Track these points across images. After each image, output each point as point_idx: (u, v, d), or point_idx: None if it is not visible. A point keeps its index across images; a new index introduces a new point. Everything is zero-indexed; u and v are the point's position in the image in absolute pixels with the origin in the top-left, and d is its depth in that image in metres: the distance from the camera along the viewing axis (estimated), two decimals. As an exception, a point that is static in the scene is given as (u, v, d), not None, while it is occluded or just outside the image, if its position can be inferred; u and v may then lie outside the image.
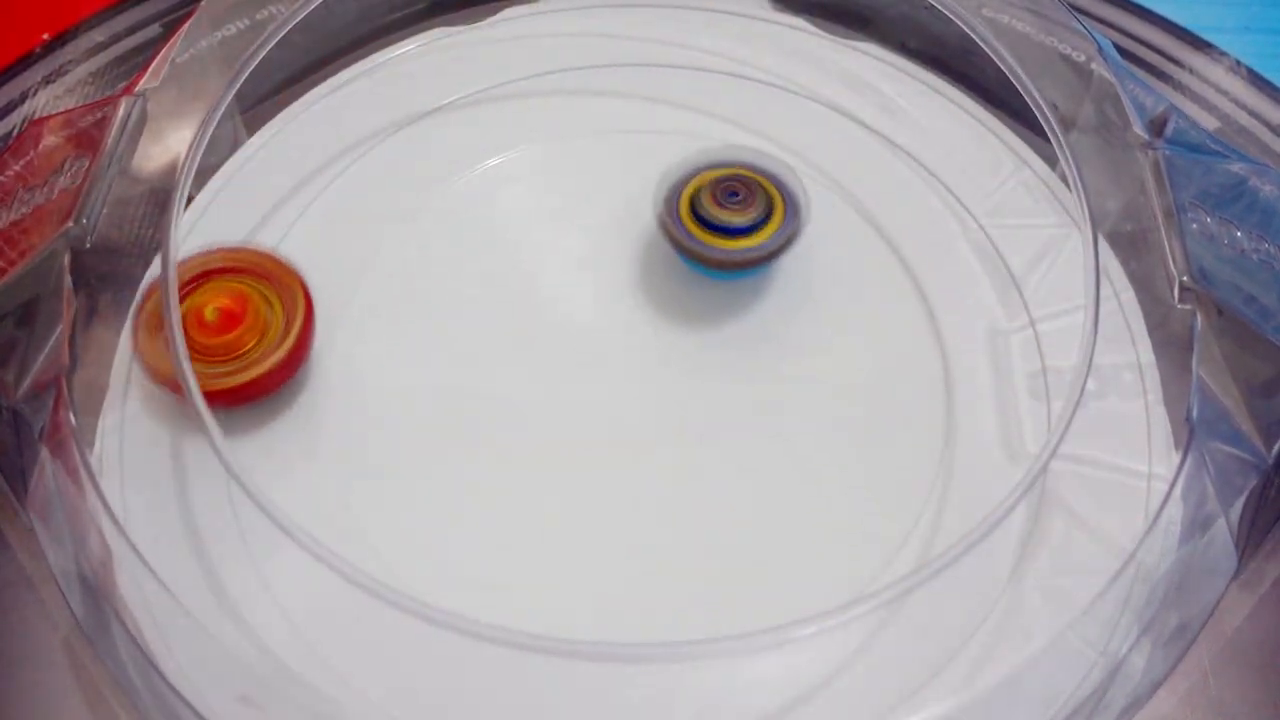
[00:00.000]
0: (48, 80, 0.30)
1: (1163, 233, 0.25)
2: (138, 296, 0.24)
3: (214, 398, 0.22)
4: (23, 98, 0.29)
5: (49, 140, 0.26)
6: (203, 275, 0.24)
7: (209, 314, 0.23)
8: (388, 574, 0.21)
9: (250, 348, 0.23)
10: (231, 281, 0.24)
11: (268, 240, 0.27)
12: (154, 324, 0.23)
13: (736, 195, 0.25)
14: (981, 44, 0.26)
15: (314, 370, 0.25)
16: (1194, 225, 0.25)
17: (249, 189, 0.27)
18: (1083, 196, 0.24)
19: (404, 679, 0.21)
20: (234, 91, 0.25)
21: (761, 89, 0.30)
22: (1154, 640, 0.21)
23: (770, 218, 0.25)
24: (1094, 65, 0.28)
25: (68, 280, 0.23)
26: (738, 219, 0.25)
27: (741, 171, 0.26)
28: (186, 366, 0.21)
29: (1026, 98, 0.26)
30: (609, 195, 0.28)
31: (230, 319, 0.23)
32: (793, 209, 0.25)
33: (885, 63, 0.30)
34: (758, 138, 0.29)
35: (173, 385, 0.22)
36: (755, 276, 0.26)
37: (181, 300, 0.23)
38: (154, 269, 0.26)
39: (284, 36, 0.26)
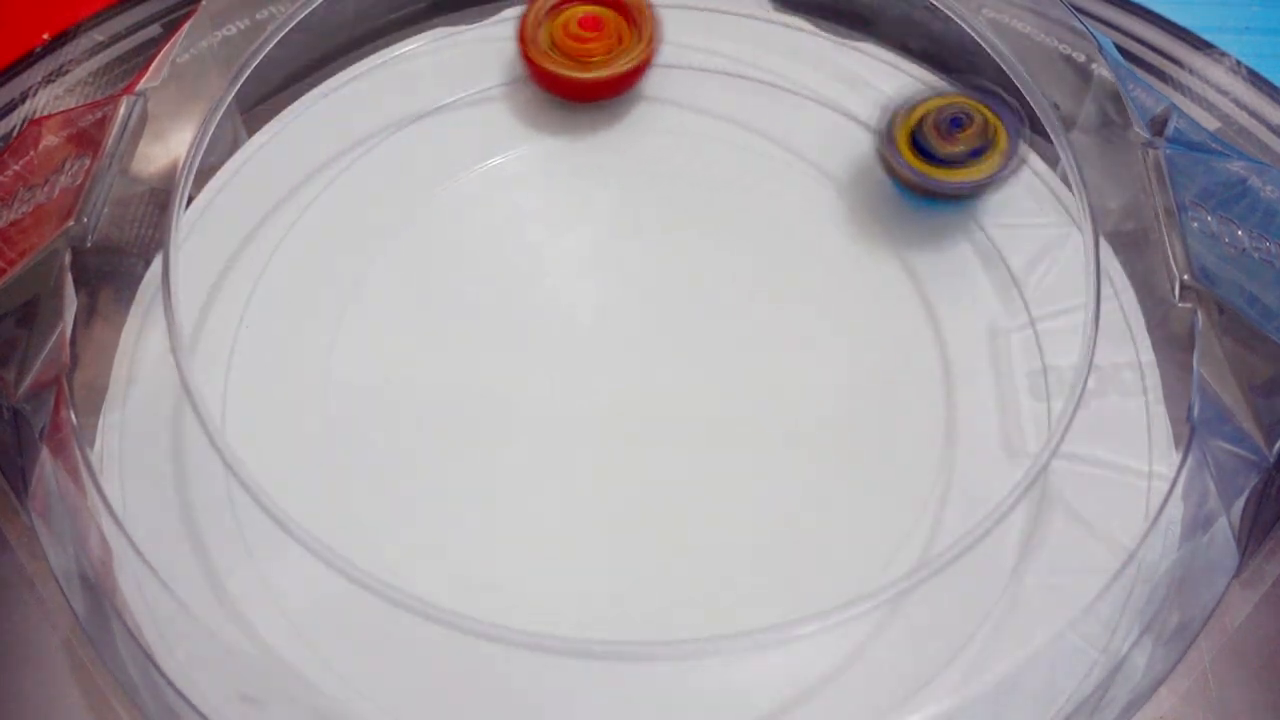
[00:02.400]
0: (48, 80, 0.30)
1: (1164, 232, 0.25)
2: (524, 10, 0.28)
3: (576, 88, 0.28)
4: (23, 97, 0.29)
5: (49, 140, 0.26)
6: (562, 3, 0.28)
7: (573, 26, 0.28)
8: (388, 572, 0.21)
9: (607, 54, 0.28)
10: (592, 6, 0.28)
11: (268, 240, 0.27)
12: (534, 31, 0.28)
13: (959, 124, 0.26)
14: (982, 44, 0.26)
15: (314, 369, 0.25)
16: (1195, 224, 0.25)
17: (249, 189, 0.27)
18: (1083, 196, 0.24)
19: (404, 677, 0.21)
20: (234, 91, 0.25)
21: (761, 89, 0.30)
22: (1155, 639, 0.21)
23: (993, 146, 0.26)
24: (1095, 65, 0.28)
25: (68, 279, 0.23)
26: (958, 149, 0.25)
27: (962, 101, 0.26)
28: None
29: (1027, 97, 0.26)
30: (609, 195, 0.28)
31: (594, 24, 0.28)
32: (1014, 138, 0.26)
33: (885, 63, 0.30)
34: (758, 137, 0.29)
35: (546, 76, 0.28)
36: (968, 205, 0.27)
37: (554, 13, 0.28)
38: (153, 276, 0.26)
39: (284, 36, 0.26)
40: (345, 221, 0.27)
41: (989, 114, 0.26)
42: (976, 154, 0.26)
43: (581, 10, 0.28)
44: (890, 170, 0.26)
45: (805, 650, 0.22)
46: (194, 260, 0.26)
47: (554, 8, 0.28)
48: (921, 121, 0.26)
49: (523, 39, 0.28)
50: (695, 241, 0.27)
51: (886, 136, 0.26)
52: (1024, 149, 0.26)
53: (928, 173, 0.26)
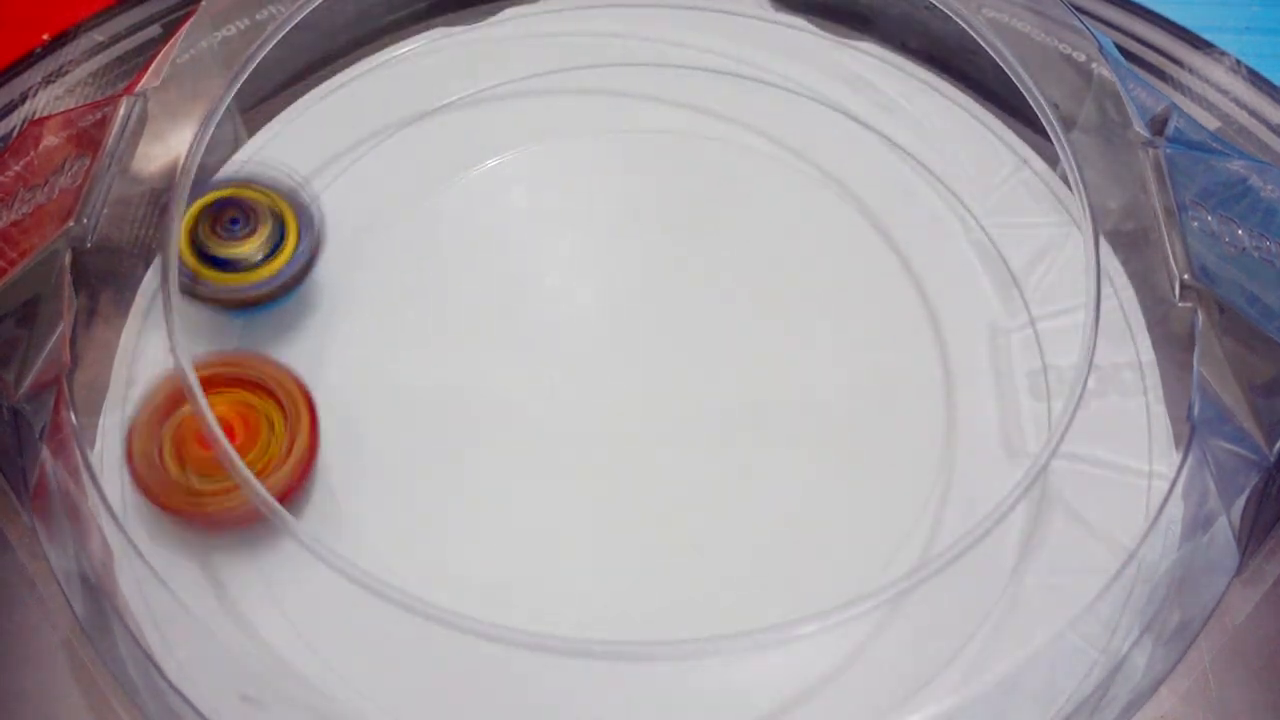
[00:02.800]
0: (48, 80, 0.30)
1: (1164, 231, 0.25)
2: (137, 404, 0.22)
3: (202, 519, 0.21)
4: (23, 98, 0.29)
5: (49, 140, 0.26)
6: (205, 384, 0.21)
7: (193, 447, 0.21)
8: (388, 572, 0.21)
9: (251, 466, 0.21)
10: (235, 394, 0.22)
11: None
12: (149, 435, 0.21)
13: (238, 223, 0.23)
14: (982, 43, 0.26)
15: (314, 369, 0.25)
16: (1195, 223, 0.25)
17: (249, 189, 0.27)
18: (1083, 195, 0.24)
19: (404, 677, 0.21)
20: (234, 91, 0.25)
21: (761, 89, 0.30)
22: (1155, 639, 0.21)
23: (284, 241, 0.23)
24: (1095, 64, 0.28)
25: (68, 280, 0.23)
26: (245, 250, 0.23)
27: (240, 193, 0.23)
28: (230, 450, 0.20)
29: (1027, 97, 0.25)
30: (609, 195, 0.28)
31: (228, 433, 0.21)
32: (306, 225, 0.23)
33: (885, 62, 0.30)
34: (758, 137, 0.29)
35: (170, 507, 0.21)
36: (286, 304, 0.24)
37: (174, 412, 0.22)
38: (153, 276, 0.26)
39: (284, 36, 0.26)
40: (345, 221, 0.27)
41: (274, 201, 0.23)
42: (270, 256, 0.23)
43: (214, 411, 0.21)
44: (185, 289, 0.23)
45: (805, 650, 0.22)
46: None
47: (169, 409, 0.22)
48: (198, 222, 0.23)
49: (133, 466, 0.22)
50: (695, 241, 0.27)
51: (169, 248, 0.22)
52: (320, 237, 0.23)
53: (220, 280, 0.23)
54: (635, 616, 0.22)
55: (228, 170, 0.26)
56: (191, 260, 0.23)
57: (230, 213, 0.23)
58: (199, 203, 0.23)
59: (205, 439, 0.20)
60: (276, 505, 0.20)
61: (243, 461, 0.20)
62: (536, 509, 0.23)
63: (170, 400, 0.22)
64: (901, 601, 0.22)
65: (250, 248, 0.23)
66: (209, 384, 0.22)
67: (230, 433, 0.21)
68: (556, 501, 0.23)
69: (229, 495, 0.21)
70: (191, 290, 0.23)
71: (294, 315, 0.26)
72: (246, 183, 0.23)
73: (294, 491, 0.22)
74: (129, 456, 0.21)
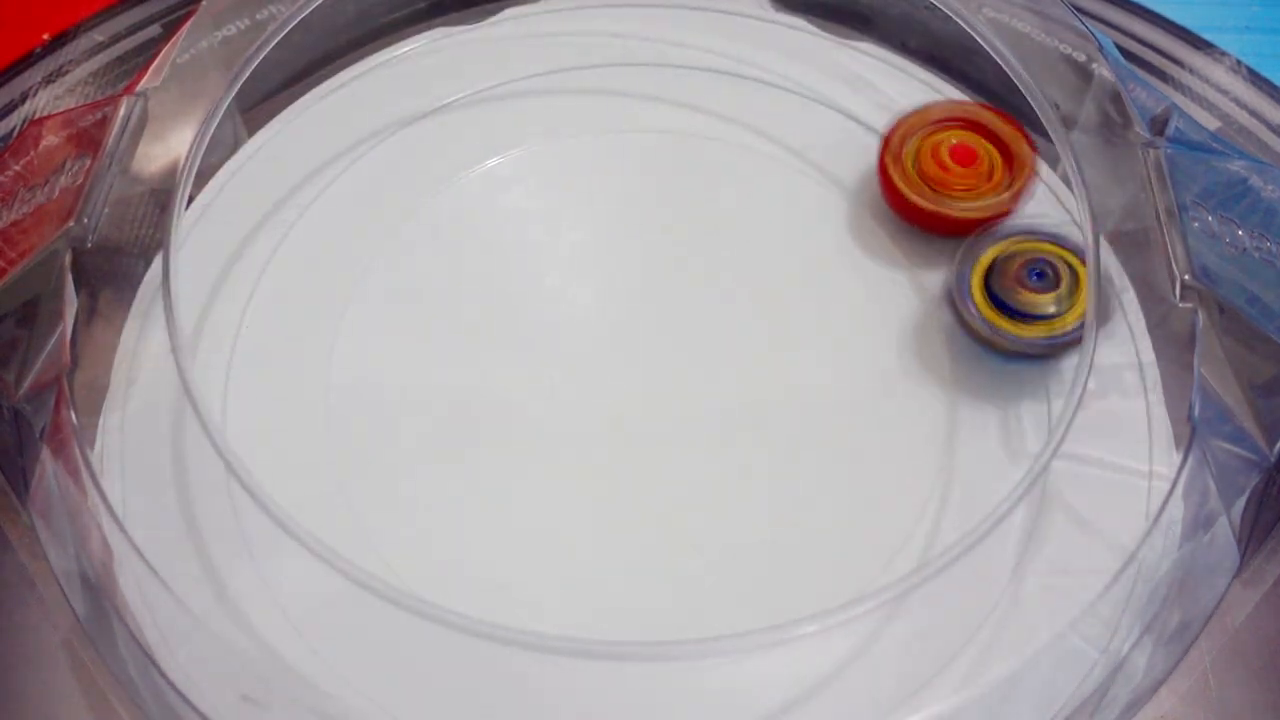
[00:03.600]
0: (48, 80, 0.30)
1: (1164, 231, 0.25)
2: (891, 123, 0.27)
3: (925, 217, 0.26)
4: (23, 98, 0.29)
5: (49, 140, 0.26)
6: (943, 121, 0.27)
7: (944, 152, 0.26)
8: (388, 572, 0.22)
9: (968, 190, 0.26)
10: (966, 133, 0.26)
11: (269, 240, 0.27)
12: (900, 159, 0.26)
13: (1043, 276, 0.24)
14: (983, 43, 0.26)
15: (315, 369, 0.25)
16: (1195, 224, 0.25)
17: (249, 189, 0.27)
18: (1084, 195, 0.24)
19: (404, 677, 0.21)
20: (234, 91, 0.25)
21: (761, 89, 0.30)
22: (1155, 639, 0.21)
23: (1075, 299, 0.24)
24: (1095, 65, 0.28)
25: (69, 280, 0.23)
26: (1041, 302, 0.24)
27: (1047, 248, 0.24)
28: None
29: (1028, 97, 0.25)
30: (609, 195, 0.28)
31: (966, 157, 0.26)
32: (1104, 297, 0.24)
33: (885, 63, 0.30)
34: (758, 137, 0.29)
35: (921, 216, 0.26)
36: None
37: (929, 132, 0.27)
38: (153, 276, 0.26)
39: (284, 36, 0.26)
40: (345, 222, 0.27)
41: (1071, 260, 0.24)
42: (1060, 312, 0.24)
43: (956, 137, 0.26)
44: (965, 324, 0.25)
45: (805, 650, 0.22)
46: (194, 260, 0.26)
47: (932, 125, 0.27)
48: (995, 267, 0.24)
49: (885, 150, 0.26)
50: (695, 241, 0.27)
51: (961, 283, 0.25)
52: (1112, 303, 0.24)
53: (1005, 328, 0.24)
54: (635, 616, 0.22)
55: None
56: (986, 308, 0.24)
57: (1035, 266, 0.24)
58: (993, 250, 0.25)
59: (942, 163, 0.26)
60: (277, 506, 0.20)
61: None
62: (536, 508, 0.23)
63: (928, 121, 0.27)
64: (901, 601, 0.22)
65: (1047, 300, 0.24)
66: (946, 123, 0.27)
67: (969, 154, 0.26)
68: (557, 501, 0.23)
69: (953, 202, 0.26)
70: (989, 339, 0.24)
71: (295, 314, 0.26)
72: (1049, 238, 0.25)
73: (1003, 215, 0.26)
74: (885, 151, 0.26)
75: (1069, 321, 0.24)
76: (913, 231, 0.27)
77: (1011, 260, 0.24)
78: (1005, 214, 0.25)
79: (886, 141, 0.26)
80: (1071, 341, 0.24)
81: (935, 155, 0.26)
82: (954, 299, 0.25)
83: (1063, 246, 0.25)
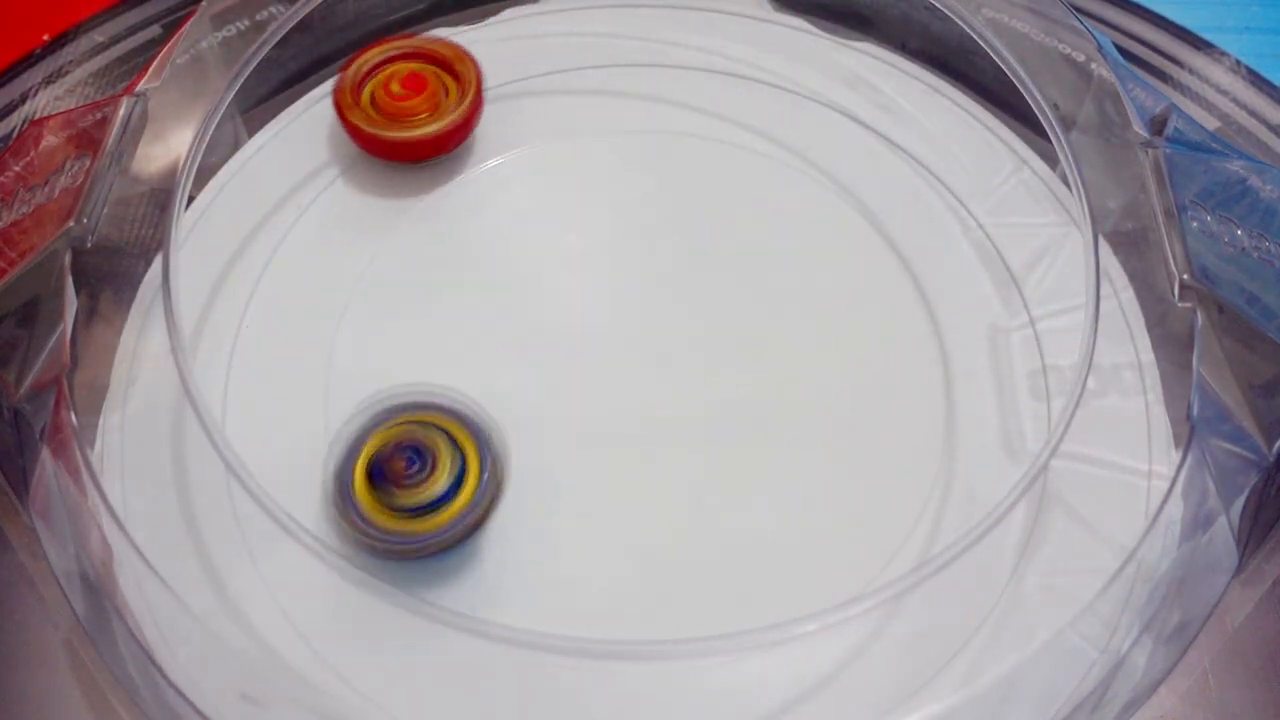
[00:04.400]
0: (48, 81, 0.30)
1: (1163, 231, 0.25)
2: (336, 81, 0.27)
3: (400, 148, 0.27)
4: (23, 98, 0.29)
5: (49, 140, 0.26)
6: (385, 61, 0.27)
7: (395, 86, 0.27)
8: (388, 572, 0.22)
9: (429, 112, 0.27)
10: (412, 64, 0.27)
11: (269, 240, 0.27)
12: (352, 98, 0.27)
13: (415, 463, 0.21)
14: (982, 43, 0.26)
15: (314, 369, 0.25)
16: (1194, 224, 0.25)
17: (249, 189, 0.27)
18: (1083, 195, 0.24)
19: (404, 677, 0.21)
20: (234, 91, 0.25)
21: (761, 89, 0.30)
22: (1155, 638, 0.21)
23: (464, 477, 0.21)
24: (1094, 64, 0.28)
25: (69, 280, 0.23)
26: (424, 495, 0.20)
27: (414, 423, 0.21)
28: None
29: (1027, 97, 0.26)
30: (609, 195, 0.28)
31: (416, 84, 0.27)
32: (488, 457, 0.21)
33: (885, 63, 0.30)
34: (758, 137, 0.29)
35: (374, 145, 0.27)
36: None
37: (370, 77, 0.27)
38: (153, 276, 0.26)
39: (284, 37, 0.26)
40: (345, 222, 0.27)
41: (451, 432, 0.21)
42: (447, 496, 0.21)
43: (404, 68, 0.27)
44: (357, 534, 0.20)
45: (805, 650, 0.22)
46: (194, 260, 0.26)
47: (374, 67, 0.27)
48: (376, 462, 0.21)
49: (339, 103, 0.27)
50: (694, 242, 0.27)
51: (341, 492, 0.21)
52: (502, 465, 0.21)
53: (398, 529, 0.20)
54: (635, 616, 0.22)
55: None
56: (377, 513, 0.20)
57: (405, 453, 0.20)
58: (367, 448, 0.21)
59: (396, 95, 0.27)
60: (277, 507, 0.20)
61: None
62: (536, 508, 0.23)
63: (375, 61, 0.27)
64: (901, 601, 0.22)
65: (431, 490, 0.20)
66: (389, 61, 0.27)
67: (421, 82, 0.27)
68: (556, 500, 0.23)
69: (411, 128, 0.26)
70: (373, 547, 0.21)
71: (295, 314, 0.26)
72: (417, 411, 0.21)
73: (468, 129, 0.28)
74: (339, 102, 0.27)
75: (464, 500, 0.21)
76: (912, 232, 0.27)
77: (383, 450, 0.21)
78: (467, 124, 0.27)
79: (339, 90, 0.27)
80: (455, 536, 0.20)
81: (389, 91, 0.27)
82: (341, 515, 0.20)
83: (428, 416, 0.21)
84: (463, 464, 0.21)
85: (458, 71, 0.27)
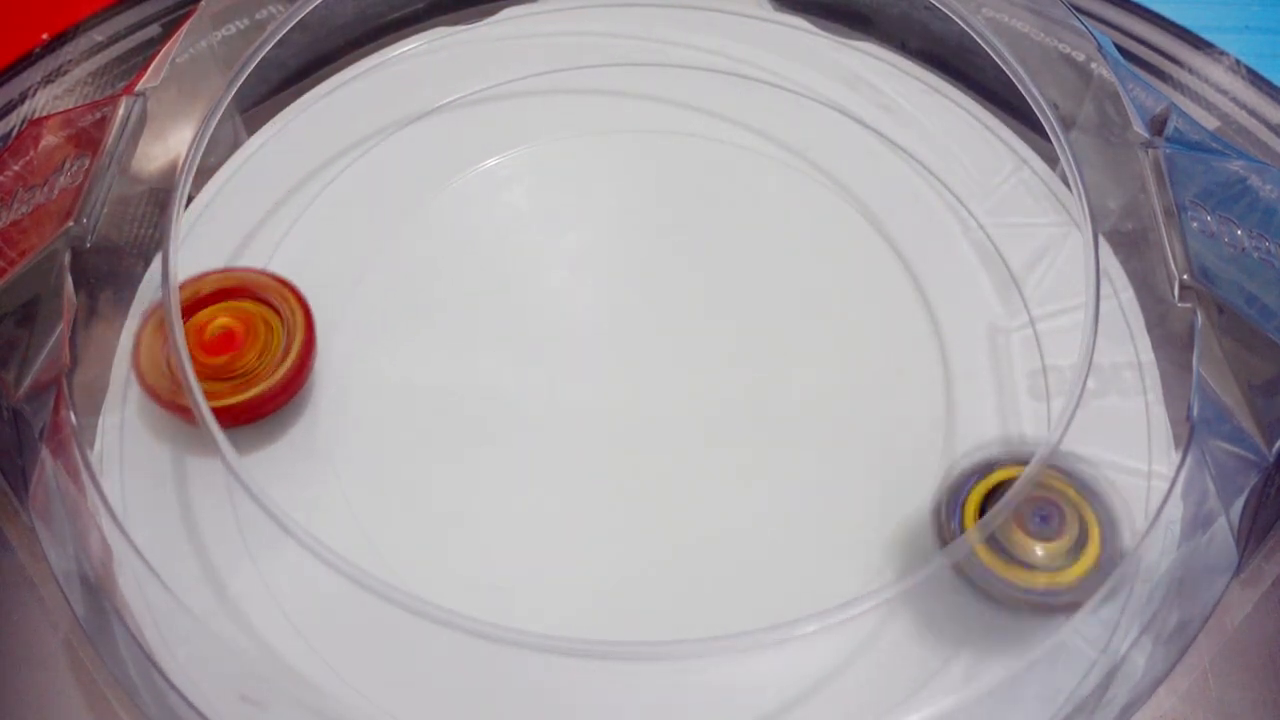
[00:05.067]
0: (48, 80, 0.30)
1: (1163, 231, 0.25)
2: (140, 319, 0.24)
3: (216, 415, 0.21)
4: (23, 97, 0.29)
5: (49, 140, 0.26)
6: (203, 299, 0.24)
7: (209, 332, 0.23)
8: (388, 572, 0.22)
9: (252, 368, 0.23)
10: (231, 303, 0.24)
11: (269, 240, 0.27)
12: (156, 344, 0.23)
13: (1048, 520, 0.21)
14: (981, 43, 0.26)
15: (316, 369, 0.25)
16: (1194, 224, 0.25)
17: (249, 189, 0.27)
18: (1083, 195, 0.24)
19: (404, 677, 0.21)
20: (234, 91, 0.25)
21: (761, 89, 0.30)
22: (1154, 639, 0.21)
23: (1086, 544, 0.21)
24: (1094, 64, 0.28)
25: (68, 280, 0.23)
26: (1046, 549, 0.20)
27: (1053, 483, 0.21)
28: (192, 379, 0.21)
29: (1027, 97, 0.26)
30: (609, 195, 0.28)
31: (230, 338, 0.23)
32: (1110, 534, 0.20)
33: (885, 62, 0.30)
34: (758, 137, 0.29)
35: (171, 406, 0.23)
36: None
37: (183, 320, 0.23)
38: (153, 276, 0.26)
39: (284, 36, 0.26)
40: (344, 221, 0.27)
41: (1078, 500, 0.21)
42: (1068, 559, 0.21)
43: (215, 322, 0.23)
44: (963, 571, 0.21)
45: (805, 650, 0.22)
46: (194, 260, 0.26)
47: (191, 307, 0.24)
48: (990, 504, 0.21)
49: (139, 370, 0.23)
50: (694, 241, 0.27)
51: (950, 520, 0.21)
52: (1126, 545, 0.20)
53: (1008, 576, 0.20)
54: (635, 616, 0.22)
55: None
56: (987, 554, 0.20)
57: (1038, 506, 0.20)
58: (985, 484, 0.21)
59: (210, 347, 0.23)
60: (277, 507, 0.20)
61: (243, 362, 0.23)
62: (536, 508, 0.23)
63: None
64: (902, 602, 0.22)
65: (1056, 549, 0.20)
66: (209, 299, 0.24)
67: (232, 338, 0.23)
68: (556, 501, 0.23)
69: (236, 393, 0.23)
70: (988, 589, 0.21)
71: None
72: (1058, 471, 0.21)
73: (295, 387, 0.24)
74: (136, 363, 0.23)
75: (1083, 566, 0.20)
76: (912, 232, 0.27)
77: (1009, 500, 0.20)
78: (292, 387, 0.23)
79: (137, 366, 0.23)
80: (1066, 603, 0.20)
81: (205, 347, 0.23)
82: (945, 540, 0.21)
83: (1064, 480, 0.21)
84: (1081, 528, 0.21)
85: (283, 316, 0.24)
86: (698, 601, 0.22)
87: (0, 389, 0.23)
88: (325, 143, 0.28)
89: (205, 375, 0.23)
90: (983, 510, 0.21)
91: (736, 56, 0.30)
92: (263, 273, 0.24)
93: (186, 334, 0.23)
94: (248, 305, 0.24)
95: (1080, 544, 0.21)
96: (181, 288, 0.24)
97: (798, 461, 0.24)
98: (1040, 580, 0.20)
